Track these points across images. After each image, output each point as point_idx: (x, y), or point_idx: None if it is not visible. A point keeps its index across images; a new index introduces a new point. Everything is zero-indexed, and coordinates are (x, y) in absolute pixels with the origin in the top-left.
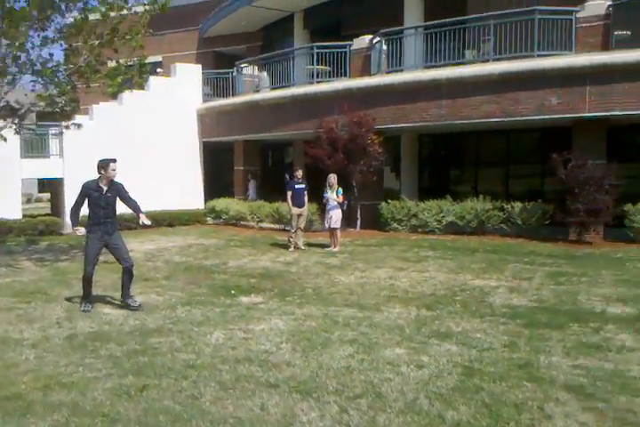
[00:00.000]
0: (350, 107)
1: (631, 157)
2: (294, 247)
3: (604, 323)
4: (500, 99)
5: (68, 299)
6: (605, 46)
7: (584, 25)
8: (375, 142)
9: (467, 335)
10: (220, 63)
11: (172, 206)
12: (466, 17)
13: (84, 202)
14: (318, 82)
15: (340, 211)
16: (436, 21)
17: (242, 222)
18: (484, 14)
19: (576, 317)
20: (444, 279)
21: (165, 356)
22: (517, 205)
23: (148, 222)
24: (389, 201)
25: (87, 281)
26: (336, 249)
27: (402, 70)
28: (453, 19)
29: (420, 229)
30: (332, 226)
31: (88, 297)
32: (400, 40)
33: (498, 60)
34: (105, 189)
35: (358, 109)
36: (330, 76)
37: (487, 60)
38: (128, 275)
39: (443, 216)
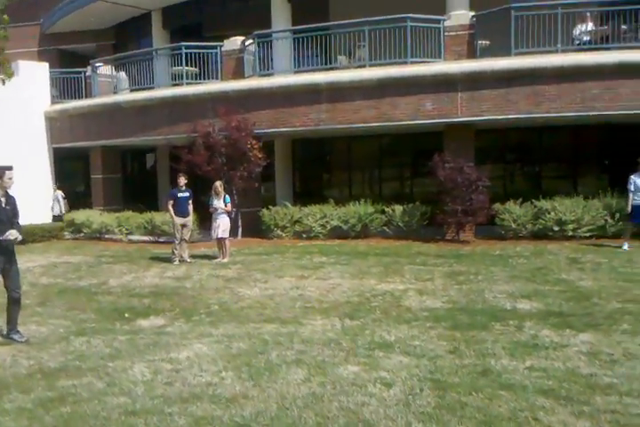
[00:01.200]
0: (228, 110)
1: (495, 159)
2: (179, 260)
3: (521, 320)
4: (379, 104)
5: None
6: (471, 54)
7: (451, 34)
8: (255, 147)
9: (406, 344)
10: (65, 62)
11: (22, 221)
12: (340, 22)
13: None
14: (188, 83)
15: (228, 219)
16: (310, 25)
17: (107, 236)
18: (359, 20)
19: (493, 315)
20: (350, 286)
21: (91, 402)
22: (398, 208)
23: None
24: (271, 207)
25: None
26: (225, 260)
27: (274, 74)
28: (328, 23)
29: (304, 235)
30: (220, 236)
31: None
32: (270, 43)
33: (373, 65)
34: (3, 200)
35: (236, 113)
36: (198, 78)
37: (363, 66)
38: (17, 305)
39: (327, 221)
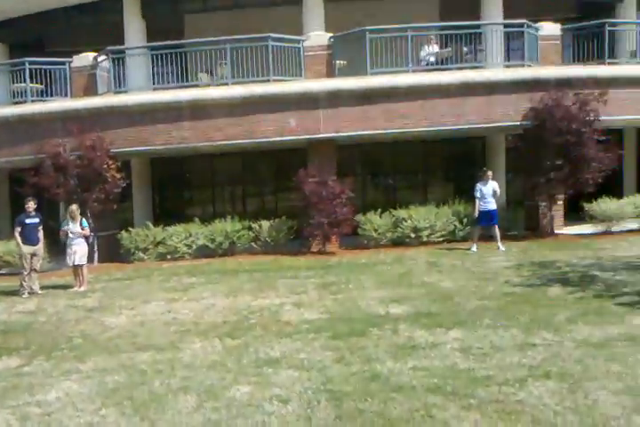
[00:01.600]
0: (81, 129)
1: (355, 173)
2: (29, 293)
3: (395, 324)
4: (244, 121)
5: None
6: (330, 73)
7: (310, 53)
8: (112, 167)
9: (292, 358)
10: None
11: None
12: (202, 39)
13: None
14: (33, 101)
15: (85, 245)
16: (169, 42)
17: None
18: (221, 38)
19: (369, 322)
20: (226, 304)
21: None
22: (265, 224)
23: None
24: (130, 229)
25: None
26: (83, 288)
27: (131, 91)
28: (189, 40)
29: (169, 256)
30: (77, 262)
31: None
32: (124, 59)
33: (236, 83)
34: None
35: (90, 131)
36: (44, 96)
37: (225, 84)
38: None
39: (192, 240)
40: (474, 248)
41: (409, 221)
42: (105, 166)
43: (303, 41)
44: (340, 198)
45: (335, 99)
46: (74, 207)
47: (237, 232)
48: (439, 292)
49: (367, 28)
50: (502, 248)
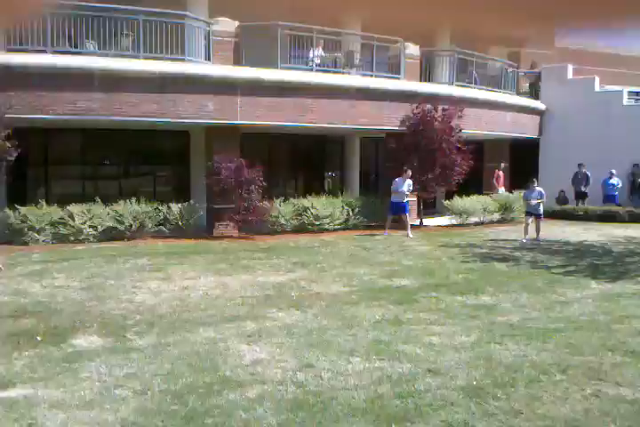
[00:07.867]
0: None
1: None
2: None
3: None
4: (161, 99)
5: None
6: (237, 61)
7: (219, 38)
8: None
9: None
10: None
11: None
12: (111, 5)
13: None
14: None
15: None
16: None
17: None
18: (135, 7)
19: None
20: (241, 282)
21: None
22: (174, 206)
23: None
24: (18, 207)
25: None
26: None
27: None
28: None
29: (72, 238)
30: None
31: None
32: None
33: (146, 58)
34: None
35: None
36: None
37: (128, 56)
38: None
39: (99, 221)
40: (385, 233)
41: (312, 210)
42: None
43: (212, 24)
44: (256, 185)
45: (254, 88)
46: None
47: (147, 214)
48: (422, 269)
49: (279, 22)
50: (411, 235)
